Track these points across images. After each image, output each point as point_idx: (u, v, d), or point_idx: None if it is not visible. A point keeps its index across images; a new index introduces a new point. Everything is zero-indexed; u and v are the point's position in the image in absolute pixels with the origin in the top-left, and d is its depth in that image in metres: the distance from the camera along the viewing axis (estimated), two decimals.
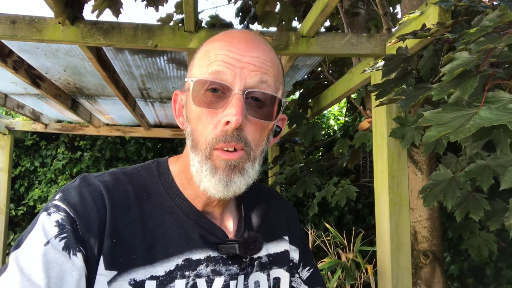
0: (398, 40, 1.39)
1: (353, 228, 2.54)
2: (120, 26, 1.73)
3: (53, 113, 4.26)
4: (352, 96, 2.96)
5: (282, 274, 0.81)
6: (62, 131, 4.53)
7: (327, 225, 2.27)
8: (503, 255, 2.81)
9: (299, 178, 3.00)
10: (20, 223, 4.99)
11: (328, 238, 2.25)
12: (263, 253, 0.78)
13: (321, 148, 4.99)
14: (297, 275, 0.86)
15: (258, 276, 0.76)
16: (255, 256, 0.76)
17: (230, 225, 0.77)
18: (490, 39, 0.81)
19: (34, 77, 2.66)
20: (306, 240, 0.95)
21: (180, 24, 3.01)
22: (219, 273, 0.70)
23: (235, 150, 0.64)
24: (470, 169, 1.48)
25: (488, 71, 0.82)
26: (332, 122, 5.34)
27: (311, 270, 0.88)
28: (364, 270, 2.02)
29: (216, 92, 0.64)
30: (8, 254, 4.81)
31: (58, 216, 0.61)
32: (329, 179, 3.03)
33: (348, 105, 3.69)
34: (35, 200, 4.82)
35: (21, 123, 4.54)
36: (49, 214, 0.62)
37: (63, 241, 0.59)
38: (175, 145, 5.37)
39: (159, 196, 0.72)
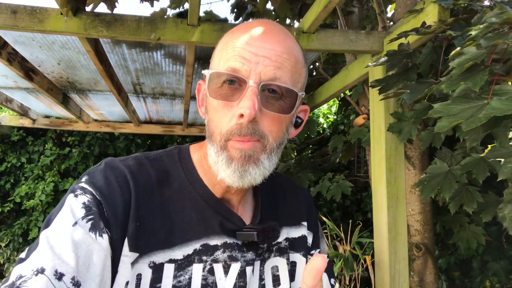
0: (400, 36, 1.43)
1: (349, 223, 2.59)
2: (123, 19, 1.73)
3: (41, 108, 4.20)
4: (348, 92, 3.02)
5: (298, 258, 0.83)
6: (50, 126, 4.46)
7: (324, 219, 2.32)
8: (489, 249, 2.90)
9: (292, 174, 3.04)
10: (5, 221, 4.90)
11: (325, 231, 2.30)
12: (281, 237, 0.81)
13: (311, 146, 5.05)
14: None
15: (276, 261, 0.78)
16: (274, 241, 0.78)
17: (247, 212, 0.79)
18: (498, 35, 0.86)
19: (28, 70, 2.63)
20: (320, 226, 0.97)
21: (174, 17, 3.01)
22: (235, 259, 0.72)
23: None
24: (466, 162, 1.54)
25: (496, 66, 0.87)
26: (321, 120, 5.41)
27: (328, 259, 0.92)
28: (362, 261, 2.07)
29: (232, 85, 0.65)
30: None
31: (85, 198, 0.63)
32: (321, 175, 3.08)
33: (340, 102, 3.75)
34: (22, 197, 4.74)
35: (7, 118, 4.45)
36: (76, 195, 0.64)
37: (90, 222, 0.61)
38: (165, 142, 5.34)
39: (179, 181, 0.73)
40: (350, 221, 2.44)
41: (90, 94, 3.56)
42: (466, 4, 1.51)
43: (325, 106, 5.65)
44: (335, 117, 4.75)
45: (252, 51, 0.64)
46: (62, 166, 4.85)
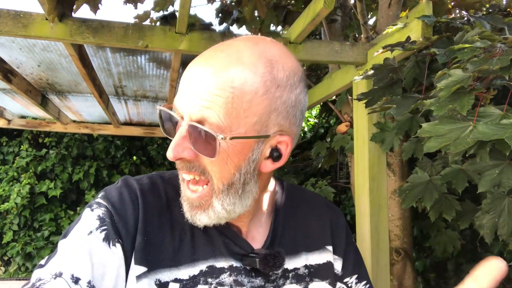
0: (386, 50, 1.48)
1: None
2: (110, 25, 1.71)
3: (17, 108, 4.08)
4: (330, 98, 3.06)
5: (324, 287, 0.79)
6: (26, 127, 4.34)
7: None
8: (463, 251, 3.01)
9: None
10: None
11: None
12: (301, 263, 0.77)
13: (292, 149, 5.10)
14: (342, 285, 0.83)
15: None
16: (291, 267, 0.76)
17: (260, 235, 0.77)
18: (483, 60, 0.90)
19: (6, 72, 2.56)
20: (357, 249, 0.89)
21: (158, 23, 2.99)
22: (241, 284, 0.70)
23: (197, 182, 0.66)
24: (446, 173, 1.60)
25: (481, 89, 0.91)
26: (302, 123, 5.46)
27: (367, 286, 0.84)
28: None
29: (174, 121, 0.66)
30: None
31: (100, 211, 0.67)
32: (303, 180, 3.13)
33: (321, 107, 3.81)
34: None
35: None
36: (92, 210, 0.68)
37: (104, 232, 0.65)
38: (145, 144, 5.29)
39: None
40: None
41: (70, 95, 3.49)
42: (447, 22, 1.57)
43: None
44: (316, 120, 4.81)
45: (187, 87, 0.62)
46: (38, 168, 4.73)
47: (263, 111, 0.61)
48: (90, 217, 0.67)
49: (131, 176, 0.76)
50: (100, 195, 0.71)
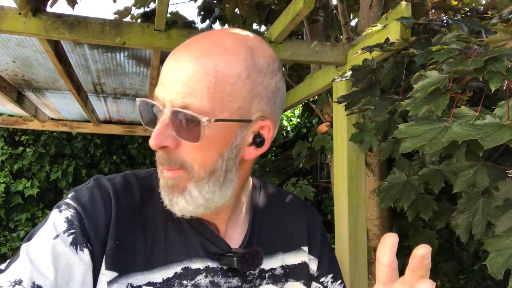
0: (365, 51, 1.49)
1: None
2: (86, 21, 1.67)
3: None
4: (311, 99, 3.07)
5: (299, 287, 0.79)
6: (2, 125, 4.22)
7: None
8: (440, 250, 3.07)
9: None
10: None
11: None
12: (277, 264, 0.77)
13: (274, 148, 5.11)
14: (318, 285, 0.83)
15: None
16: (268, 267, 0.75)
17: (237, 234, 0.76)
18: (458, 61, 0.91)
19: None
20: (331, 249, 0.90)
21: (139, 19, 2.95)
22: (217, 285, 0.69)
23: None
24: (423, 173, 1.62)
25: (456, 89, 0.92)
26: (285, 123, 5.48)
27: (342, 285, 0.85)
28: None
29: (155, 112, 0.64)
30: None
31: (68, 213, 0.63)
32: (285, 178, 3.13)
33: (303, 107, 3.82)
34: None
35: None
36: (60, 211, 0.64)
37: (71, 236, 0.61)
38: (125, 142, 5.21)
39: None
40: None
41: (47, 92, 3.41)
42: (424, 23, 1.59)
43: None
44: (298, 120, 4.82)
45: (168, 74, 0.61)
46: (14, 166, 4.61)
47: (246, 95, 0.62)
48: (58, 219, 0.63)
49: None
50: (69, 195, 0.67)
